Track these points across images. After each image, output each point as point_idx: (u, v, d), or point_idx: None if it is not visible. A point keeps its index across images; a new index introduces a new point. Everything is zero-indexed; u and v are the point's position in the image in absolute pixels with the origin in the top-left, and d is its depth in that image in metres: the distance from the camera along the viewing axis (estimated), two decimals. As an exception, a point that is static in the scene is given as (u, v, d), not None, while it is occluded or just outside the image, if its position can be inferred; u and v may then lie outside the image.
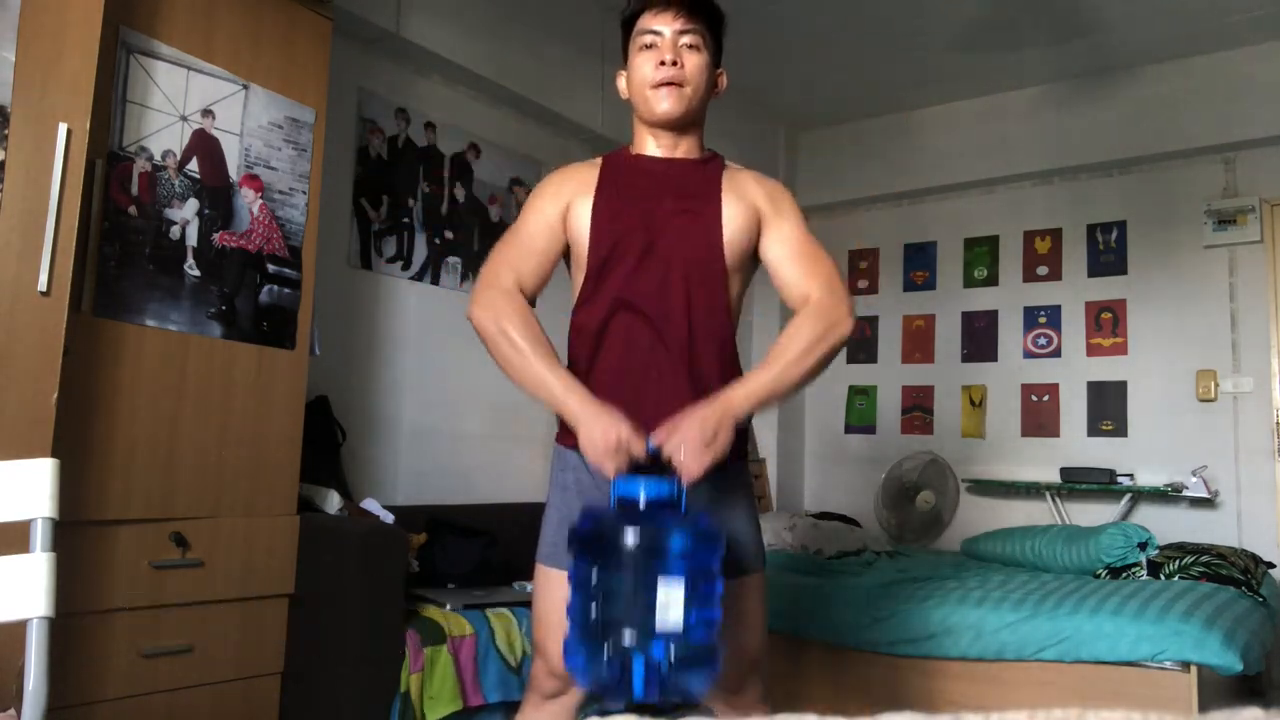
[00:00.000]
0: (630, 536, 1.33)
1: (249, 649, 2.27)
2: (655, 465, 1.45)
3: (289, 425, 2.40)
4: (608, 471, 1.45)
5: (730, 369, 1.65)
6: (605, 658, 1.30)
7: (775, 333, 5.93)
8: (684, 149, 1.69)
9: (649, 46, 1.64)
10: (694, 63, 1.64)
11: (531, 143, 3.95)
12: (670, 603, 1.30)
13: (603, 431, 1.44)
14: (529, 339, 1.54)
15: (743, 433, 1.71)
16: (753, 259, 1.70)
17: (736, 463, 1.67)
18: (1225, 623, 2.64)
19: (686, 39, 1.64)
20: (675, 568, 1.31)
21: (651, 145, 1.70)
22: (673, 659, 1.29)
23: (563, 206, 1.66)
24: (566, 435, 1.65)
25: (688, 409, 1.56)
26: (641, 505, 1.39)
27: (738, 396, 1.50)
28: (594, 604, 1.33)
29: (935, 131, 4.96)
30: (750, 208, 1.65)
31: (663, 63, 1.62)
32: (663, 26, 1.64)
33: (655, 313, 1.60)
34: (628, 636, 1.29)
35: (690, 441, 1.43)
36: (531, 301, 1.64)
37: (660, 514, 1.38)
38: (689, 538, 1.34)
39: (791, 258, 1.65)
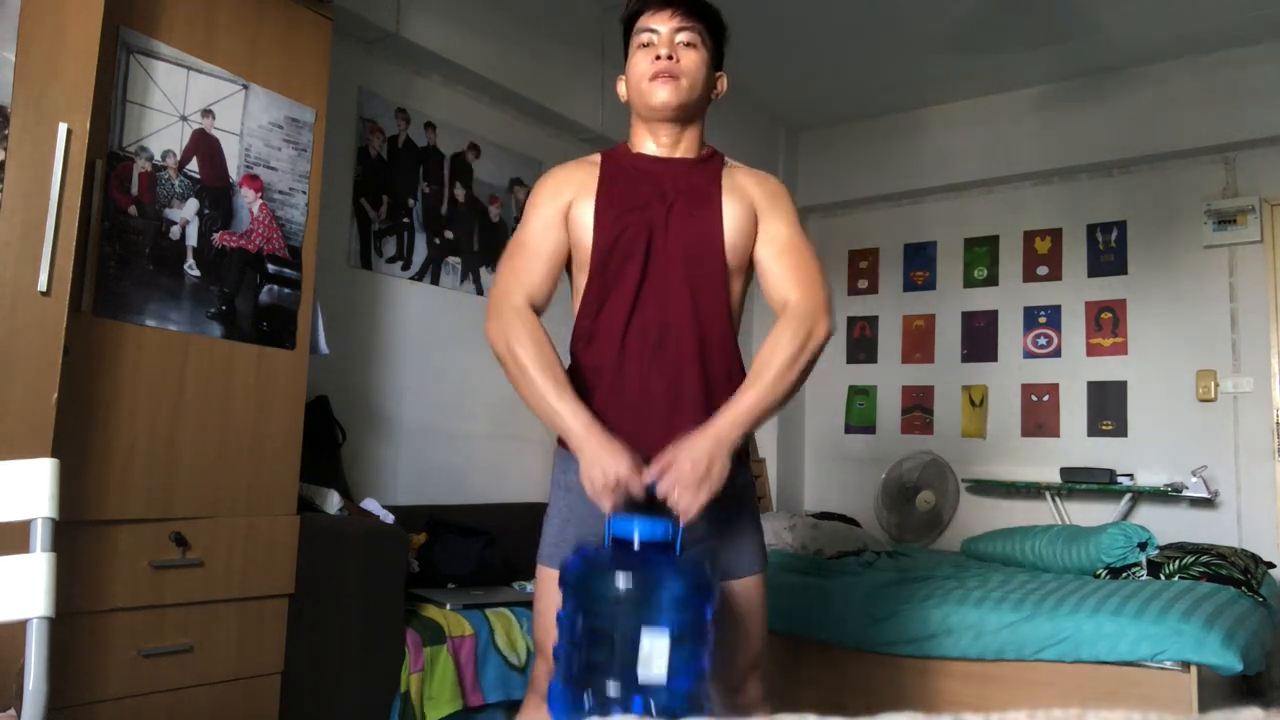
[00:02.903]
0: (619, 583, 1.32)
1: (249, 649, 2.27)
2: (652, 503, 1.46)
3: (289, 425, 2.40)
4: (604, 508, 1.46)
5: (735, 369, 1.65)
6: (586, 707, 1.29)
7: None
8: (684, 147, 1.69)
9: (646, 45, 1.65)
10: (691, 59, 1.64)
11: (531, 143, 3.95)
12: (654, 655, 1.29)
13: (602, 470, 1.45)
14: (538, 362, 1.55)
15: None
16: (752, 257, 1.70)
17: (738, 464, 1.67)
18: (1225, 623, 2.64)
19: (683, 36, 1.64)
20: (662, 619, 1.31)
21: (650, 144, 1.69)
22: (653, 712, 1.28)
23: (564, 205, 1.66)
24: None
25: (697, 413, 1.57)
26: (635, 546, 1.39)
27: (726, 424, 1.50)
28: (578, 651, 1.33)
29: (935, 131, 4.96)
30: (748, 206, 1.66)
31: (659, 57, 1.62)
32: (660, 25, 1.64)
33: (659, 314, 1.60)
34: (609, 687, 1.29)
35: (685, 480, 1.44)
36: (543, 308, 1.65)
37: (654, 555, 1.38)
38: (681, 585, 1.34)
39: (778, 255, 1.65)
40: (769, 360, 1.55)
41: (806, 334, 1.57)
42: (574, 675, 1.33)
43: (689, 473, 1.44)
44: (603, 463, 1.46)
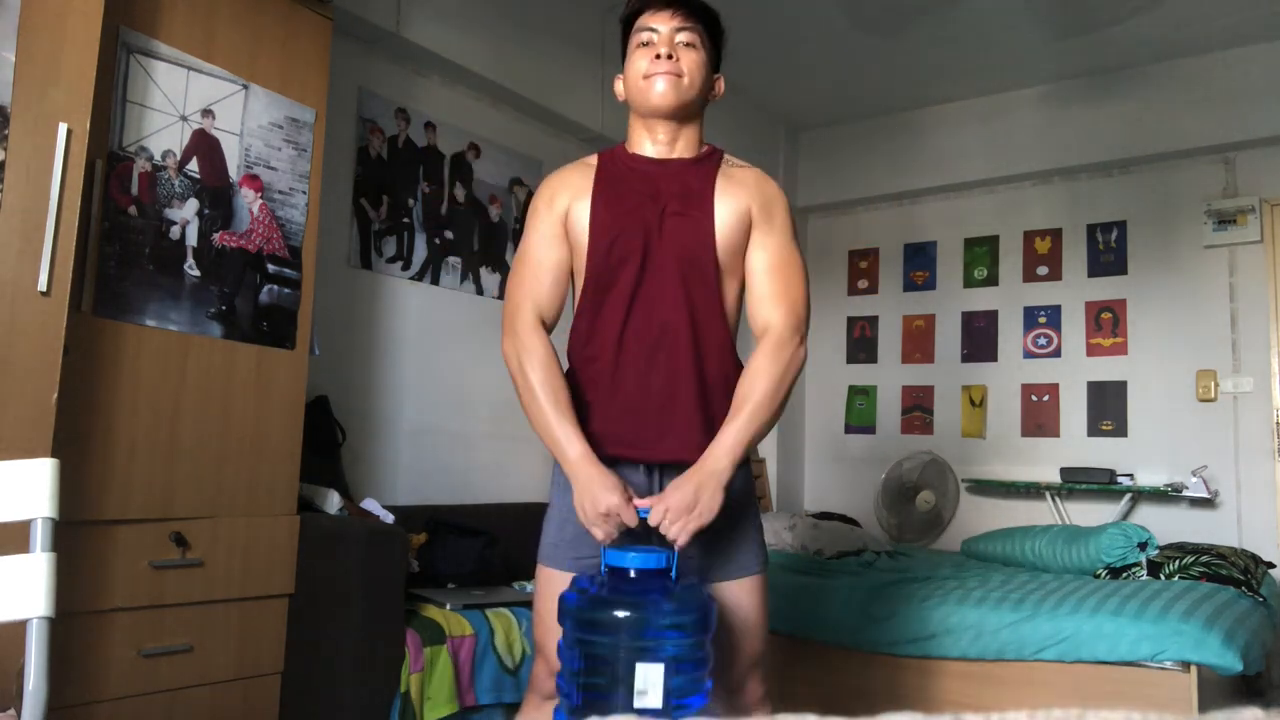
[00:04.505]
0: (615, 615, 1.36)
1: (249, 649, 2.27)
2: (646, 531, 1.49)
3: (289, 425, 2.40)
4: (597, 537, 1.51)
5: (732, 370, 1.65)
6: None
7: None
8: (681, 147, 1.69)
9: (646, 44, 1.65)
10: (691, 59, 1.64)
11: (531, 143, 3.95)
12: (649, 685, 1.32)
13: (592, 501, 1.49)
14: (545, 386, 1.59)
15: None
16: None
17: (740, 464, 1.67)
18: (1225, 623, 2.64)
19: (683, 36, 1.64)
20: (657, 651, 1.34)
21: (648, 144, 1.69)
22: None
23: (561, 214, 1.67)
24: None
25: (693, 413, 1.57)
26: (631, 574, 1.42)
27: (715, 457, 1.53)
28: (579, 681, 1.36)
29: (935, 131, 4.96)
30: (743, 208, 1.65)
31: (658, 56, 1.62)
32: (660, 25, 1.64)
33: (656, 315, 1.60)
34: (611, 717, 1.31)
35: (675, 511, 1.47)
36: (554, 321, 1.69)
37: (650, 583, 1.41)
38: (676, 616, 1.36)
39: (767, 271, 1.65)
40: (749, 393, 1.57)
41: (785, 364, 1.60)
42: (576, 706, 1.34)
43: (678, 502, 1.48)
44: (594, 493, 1.49)
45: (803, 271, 1.69)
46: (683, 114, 1.66)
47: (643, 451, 1.60)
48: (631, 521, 1.49)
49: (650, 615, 1.35)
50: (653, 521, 1.48)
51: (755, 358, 1.61)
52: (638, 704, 1.31)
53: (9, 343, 1.78)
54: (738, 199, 1.65)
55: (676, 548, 1.47)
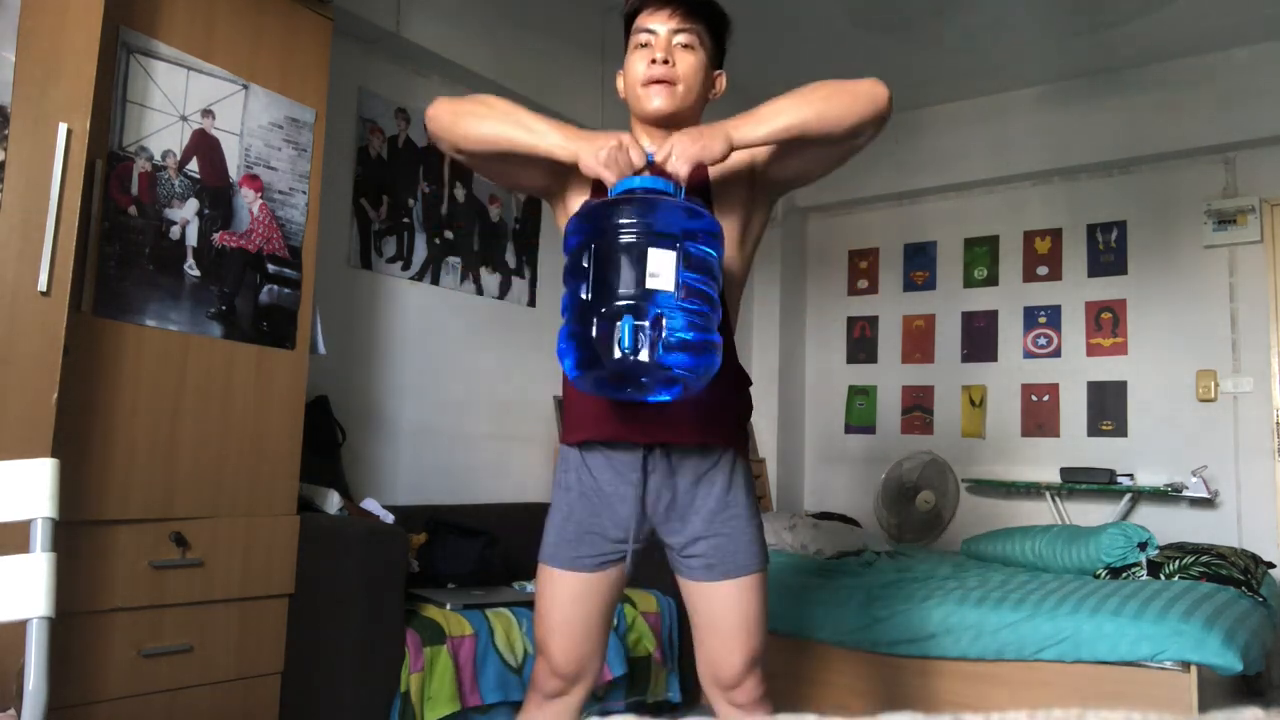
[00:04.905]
0: (623, 211, 1.35)
1: (249, 649, 2.27)
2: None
3: (289, 425, 2.40)
4: (609, 179, 1.45)
5: (730, 366, 1.64)
6: (595, 324, 1.31)
7: (776, 333, 5.83)
8: None
9: (643, 45, 1.64)
10: (687, 62, 1.63)
11: (531, 143, 3.94)
12: (662, 269, 1.31)
13: (603, 141, 1.46)
14: (506, 102, 1.58)
15: (744, 431, 1.72)
16: (748, 250, 1.69)
17: (740, 461, 1.67)
18: (1225, 623, 2.65)
19: (681, 38, 1.63)
20: (667, 241, 1.33)
21: (645, 142, 1.69)
22: (663, 323, 1.30)
23: (561, 168, 1.65)
24: (569, 434, 1.66)
25: (690, 401, 1.56)
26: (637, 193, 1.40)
27: (734, 119, 1.50)
28: (585, 284, 1.35)
29: (935, 131, 4.96)
30: (744, 172, 1.65)
31: (654, 61, 1.62)
32: (658, 25, 1.63)
33: None
34: (618, 297, 1.31)
35: (678, 142, 1.45)
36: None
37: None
38: (687, 214, 1.36)
39: None
40: (801, 88, 1.52)
41: (854, 85, 1.54)
42: (582, 307, 1.33)
43: (680, 138, 1.46)
44: (602, 138, 1.47)
45: None
46: (677, 121, 1.66)
47: (640, 431, 1.59)
48: (639, 159, 1.46)
49: (661, 208, 1.35)
50: (659, 159, 1.46)
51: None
52: (650, 284, 1.30)
53: (9, 343, 1.78)
54: (731, 165, 1.64)
55: (680, 180, 1.44)
